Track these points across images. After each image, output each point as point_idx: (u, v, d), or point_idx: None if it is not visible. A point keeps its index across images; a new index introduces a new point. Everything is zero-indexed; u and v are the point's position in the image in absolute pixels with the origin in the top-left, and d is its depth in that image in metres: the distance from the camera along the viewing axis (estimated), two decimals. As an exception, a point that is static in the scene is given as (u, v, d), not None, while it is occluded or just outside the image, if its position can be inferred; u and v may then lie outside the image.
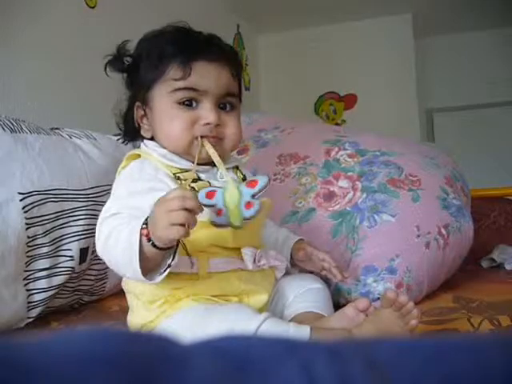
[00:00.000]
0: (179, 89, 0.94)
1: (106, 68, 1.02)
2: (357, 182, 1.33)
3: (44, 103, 1.73)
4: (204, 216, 0.89)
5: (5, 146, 1.13)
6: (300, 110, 3.83)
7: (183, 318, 0.87)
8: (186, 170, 0.95)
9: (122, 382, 0.22)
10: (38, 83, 1.71)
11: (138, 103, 1.01)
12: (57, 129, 1.36)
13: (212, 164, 0.97)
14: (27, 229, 1.11)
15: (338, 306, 1.06)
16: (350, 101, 3.92)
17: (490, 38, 4.01)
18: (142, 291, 0.92)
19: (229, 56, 1.00)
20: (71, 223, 1.22)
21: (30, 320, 1.14)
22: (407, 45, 3.83)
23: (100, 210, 1.28)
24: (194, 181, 0.94)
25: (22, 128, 1.20)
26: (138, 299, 0.93)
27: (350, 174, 1.36)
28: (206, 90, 0.94)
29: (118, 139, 1.51)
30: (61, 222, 1.19)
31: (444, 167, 1.42)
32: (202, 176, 0.96)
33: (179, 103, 0.94)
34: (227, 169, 0.99)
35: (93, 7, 2.01)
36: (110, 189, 1.31)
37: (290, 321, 0.97)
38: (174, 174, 0.94)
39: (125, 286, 0.99)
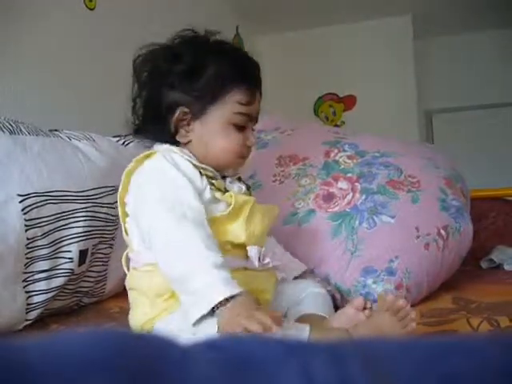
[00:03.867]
0: (241, 113, 0.99)
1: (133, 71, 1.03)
2: (356, 184, 1.33)
3: (43, 105, 1.73)
4: (223, 211, 0.95)
5: (4, 148, 1.13)
6: (299, 111, 3.83)
7: (183, 314, 0.87)
8: (204, 169, 0.99)
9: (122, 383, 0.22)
10: (37, 85, 1.71)
11: (184, 109, 0.99)
12: (56, 130, 1.36)
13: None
14: (26, 230, 1.11)
15: (337, 308, 1.07)
16: (349, 102, 3.92)
17: (490, 39, 4.01)
18: (148, 287, 0.93)
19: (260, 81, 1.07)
20: (71, 225, 1.22)
21: (29, 322, 1.14)
22: (406, 46, 3.83)
23: (100, 212, 1.29)
24: (213, 178, 0.98)
25: (21, 130, 1.20)
26: (144, 295, 0.94)
27: (349, 175, 1.36)
28: (254, 117, 1.03)
29: (118, 141, 1.51)
30: (60, 223, 1.19)
31: (443, 168, 1.42)
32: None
33: (234, 124, 1.00)
34: (232, 179, 1.05)
35: (92, 9, 2.01)
36: (110, 190, 1.32)
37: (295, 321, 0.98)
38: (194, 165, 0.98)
39: (128, 282, 0.99)
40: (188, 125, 1.00)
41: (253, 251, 0.97)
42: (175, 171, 0.93)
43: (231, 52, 1.06)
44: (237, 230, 0.96)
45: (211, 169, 0.99)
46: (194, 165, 0.97)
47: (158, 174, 0.94)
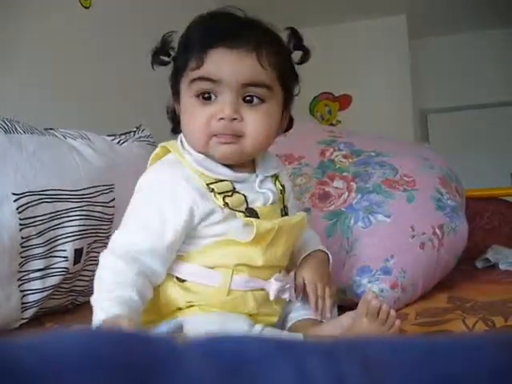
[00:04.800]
0: (194, 79, 0.86)
1: (152, 63, 0.92)
2: (352, 183, 1.33)
3: (39, 103, 1.72)
4: (232, 234, 0.87)
5: (-1, 147, 1.12)
6: (295, 110, 3.82)
7: (184, 322, 0.86)
8: (221, 180, 0.88)
9: (115, 383, 0.22)
10: (32, 83, 1.71)
11: (174, 96, 0.94)
12: (51, 129, 1.36)
13: (250, 171, 0.93)
14: (21, 229, 1.10)
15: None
16: (344, 101, 3.92)
17: (485, 39, 4.02)
18: (156, 295, 0.88)
19: (259, 42, 0.87)
20: (65, 224, 1.21)
21: (25, 321, 1.14)
22: (402, 45, 3.84)
23: (95, 211, 1.28)
24: (229, 194, 0.87)
25: (16, 128, 1.20)
26: (154, 299, 0.89)
27: (344, 174, 1.36)
28: (220, 78, 0.84)
29: (113, 139, 1.51)
30: (55, 222, 1.19)
31: (438, 168, 1.43)
32: (238, 187, 0.89)
33: (198, 96, 0.86)
34: (265, 177, 0.95)
35: (87, 7, 2.01)
36: (105, 189, 1.32)
37: (290, 326, 0.96)
38: (207, 184, 0.86)
39: None
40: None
41: (275, 286, 0.91)
42: (161, 201, 0.85)
43: (198, 18, 0.91)
44: (254, 255, 0.88)
45: (226, 180, 0.88)
46: (206, 182, 0.87)
47: (149, 191, 0.88)
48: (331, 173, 1.37)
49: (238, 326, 0.85)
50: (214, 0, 3.27)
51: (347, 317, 0.89)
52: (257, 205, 0.90)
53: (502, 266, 1.70)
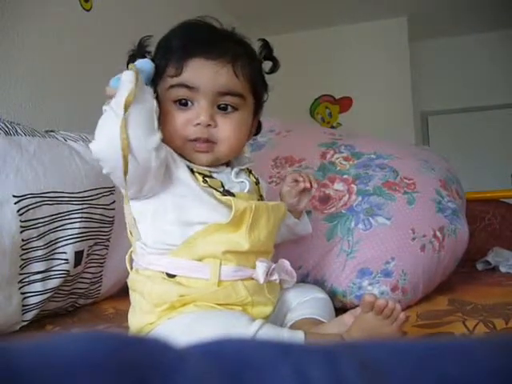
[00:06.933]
0: (172, 86, 0.92)
1: (128, 63, 0.96)
2: (352, 185, 1.33)
3: (39, 105, 1.72)
4: (220, 218, 0.90)
5: (-1, 149, 1.12)
6: (295, 112, 3.84)
7: (181, 321, 0.86)
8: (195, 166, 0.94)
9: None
10: (32, 86, 1.71)
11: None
12: (52, 131, 1.36)
13: (226, 164, 1.00)
14: (22, 232, 1.10)
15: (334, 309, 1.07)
16: (345, 104, 3.93)
17: (485, 41, 4.03)
18: (149, 293, 0.90)
19: (234, 55, 0.95)
20: (66, 226, 1.21)
21: (25, 323, 1.14)
22: (402, 48, 3.84)
23: (95, 213, 1.29)
24: (207, 176, 0.93)
25: (16, 131, 1.20)
26: (144, 299, 0.91)
27: (345, 176, 1.36)
28: (197, 86, 0.91)
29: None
30: (56, 224, 1.19)
31: (439, 170, 1.43)
32: (215, 175, 0.95)
33: (175, 102, 0.93)
34: (240, 170, 1.01)
35: (88, 10, 2.01)
36: (105, 192, 1.32)
37: (290, 326, 0.96)
38: (186, 166, 0.92)
39: (130, 283, 0.96)
40: None
41: (261, 268, 0.93)
42: None
43: (178, 27, 0.98)
44: (239, 239, 0.91)
45: (203, 167, 0.95)
46: (187, 166, 0.92)
47: None
48: (332, 175, 1.37)
49: (236, 321, 0.85)
50: (213, 2, 3.27)
51: (349, 315, 0.90)
52: (234, 190, 0.95)
53: (502, 269, 1.70)
